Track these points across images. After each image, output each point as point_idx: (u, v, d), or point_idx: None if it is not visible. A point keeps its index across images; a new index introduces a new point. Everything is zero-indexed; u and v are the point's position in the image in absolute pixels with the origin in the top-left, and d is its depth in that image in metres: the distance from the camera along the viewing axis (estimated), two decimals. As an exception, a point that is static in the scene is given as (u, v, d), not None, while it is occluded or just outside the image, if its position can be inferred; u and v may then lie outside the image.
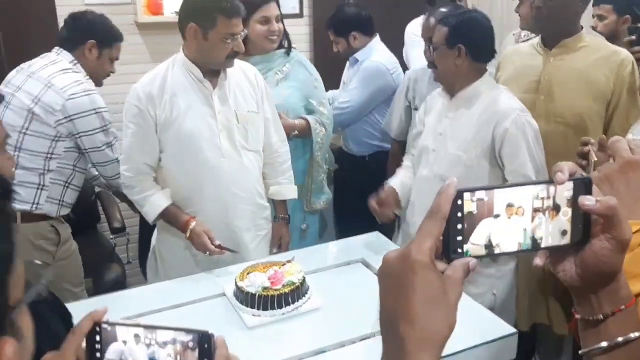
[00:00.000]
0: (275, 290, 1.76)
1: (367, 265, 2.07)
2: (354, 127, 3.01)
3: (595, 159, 1.08)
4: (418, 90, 2.68)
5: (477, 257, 0.64)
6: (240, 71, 2.15)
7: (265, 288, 1.77)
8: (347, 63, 3.09)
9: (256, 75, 2.21)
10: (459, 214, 0.62)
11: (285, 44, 2.60)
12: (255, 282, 1.78)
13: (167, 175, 2.11)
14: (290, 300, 1.77)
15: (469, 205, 0.63)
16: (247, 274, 1.84)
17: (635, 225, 0.71)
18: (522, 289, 2.23)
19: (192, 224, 2.05)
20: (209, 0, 1.97)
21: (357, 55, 2.97)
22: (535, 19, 2.26)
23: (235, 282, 1.82)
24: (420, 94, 2.65)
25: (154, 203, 2.08)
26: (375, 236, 2.29)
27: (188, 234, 2.05)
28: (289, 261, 1.89)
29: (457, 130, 2.06)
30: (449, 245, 0.63)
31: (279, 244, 2.34)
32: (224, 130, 2.08)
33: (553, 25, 2.22)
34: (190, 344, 0.75)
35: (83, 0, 3.09)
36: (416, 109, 2.66)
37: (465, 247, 0.63)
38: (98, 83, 2.47)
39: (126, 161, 2.09)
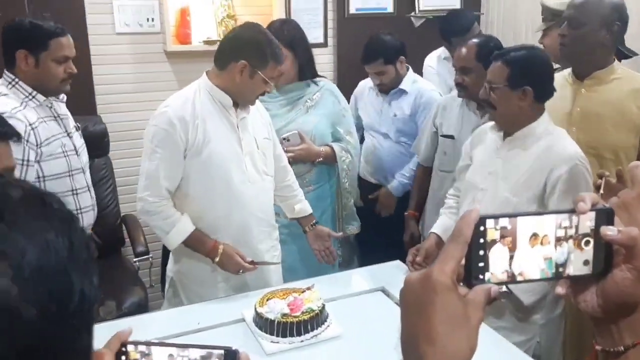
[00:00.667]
0: (295, 317, 1.76)
1: (387, 294, 2.05)
2: (385, 159, 3.02)
3: (602, 191, 1.07)
4: (446, 118, 2.68)
5: (499, 284, 0.64)
6: None
7: (284, 315, 1.77)
8: (381, 96, 3.01)
9: (260, 105, 2.29)
10: (482, 240, 0.63)
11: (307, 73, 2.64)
12: (275, 309, 1.78)
13: (189, 201, 2.09)
14: (309, 327, 1.76)
15: (492, 232, 0.63)
16: (267, 300, 1.85)
17: None
18: (568, 334, 2.16)
19: (221, 246, 2.07)
20: (266, 44, 2.03)
21: (402, 86, 2.94)
22: (560, 47, 2.27)
23: (255, 308, 1.83)
24: (448, 122, 2.67)
25: (180, 228, 2.07)
26: (397, 265, 2.28)
27: (218, 258, 2.07)
28: (308, 288, 1.89)
29: (509, 172, 1.98)
30: (471, 271, 0.63)
31: (327, 245, 2.35)
32: (248, 156, 2.12)
33: (578, 55, 2.22)
34: None
35: (114, 30, 3.19)
36: (443, 135, 2.68)
37: (488, 273, 0.64)
38: (56, 91, 2.19)
39: (149, 187, 2.05)
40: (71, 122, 2.30)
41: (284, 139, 2.53)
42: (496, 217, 0.63)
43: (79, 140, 2.33)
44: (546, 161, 1.91)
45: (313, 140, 2.61)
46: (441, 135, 2.69)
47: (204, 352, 0.79)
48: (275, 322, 1.75)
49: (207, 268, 2.14)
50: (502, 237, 0.63)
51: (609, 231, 0.64)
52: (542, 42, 2.87)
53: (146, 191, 2.06)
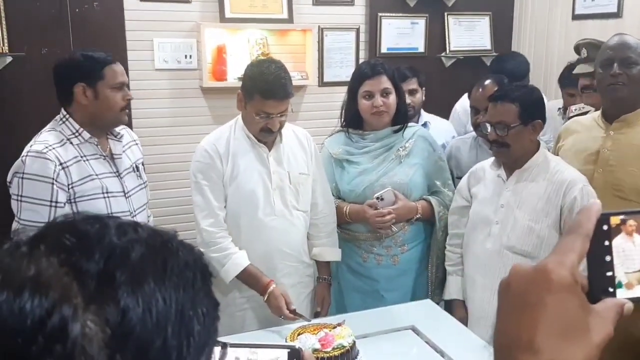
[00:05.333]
0: (325, 352, 1.76)
1: (417, 332, 2.03)
2: None
3: None
4: (458, 160, 2.72)
5: (635, 299, 0.50)
6: (294, 135, 2.27)
7: (315, 350, 1.77)
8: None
9: (307, 139, 2.31)
10: (607, 243, 0.50)
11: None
12: (306, 344, 1.78)
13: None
14: (339, 364, 1.76)
15: (620, 232, 0.51)
16: (298, 334, 1.85)
17: None
18: None
19: (272, 286, 2.09)
20: (254, 77, 2.09)
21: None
22: (616, 88, 2.16)
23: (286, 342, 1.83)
24: (460, 163, 2.69)
25: (236, 262, 2.11)
26: (426, 304, 2.27)
27: (266, 297, 2.09)
28: (339, 324, 1.90)
29: (524, 201, 2.04)
30: (597, 283, 0.50)
31: (322, 305, 2.35)
32: (277, 190, 2.17)
33: (633, 94, 2.18)
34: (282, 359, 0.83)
35: (154, 66, 3.30)
36: (458, 177, 2.67)
37: (619, 285, 0.51)
38: (116, 121, 2.11)
39: (209, 216, 2.12)
40: (126, 162, 2.17)
41: (378, 198, 2.27)
42: (623, 214, 0.51)
43: (134, 182, 2.18)
44: (559, 186, 2.01)
45: (408, 195, 2.33)
46: (457, 177, 2.68)
47: (270, 352, 0.83)
48: (306, 357, 1.75)
49: (228, 302, 2.17)
50: (634, 237, 0.50)
51: None
52: (587, 102, 2.77)
53: (207, 221, 2.13)
